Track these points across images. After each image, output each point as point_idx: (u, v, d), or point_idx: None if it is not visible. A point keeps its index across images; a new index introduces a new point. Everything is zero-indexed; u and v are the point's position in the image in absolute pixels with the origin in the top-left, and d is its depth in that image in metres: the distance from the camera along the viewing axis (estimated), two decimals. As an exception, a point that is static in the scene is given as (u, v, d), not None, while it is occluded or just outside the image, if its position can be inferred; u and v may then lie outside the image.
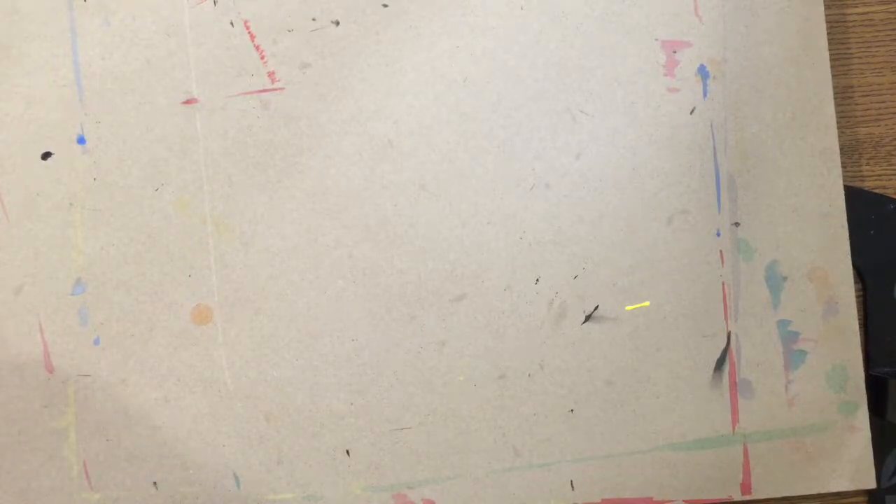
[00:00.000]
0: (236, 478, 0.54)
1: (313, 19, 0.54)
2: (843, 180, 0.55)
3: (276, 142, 0.54)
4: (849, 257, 0.54)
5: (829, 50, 0.55)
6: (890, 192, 0.57)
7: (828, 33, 0.55)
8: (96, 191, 0.54)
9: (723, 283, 0.55)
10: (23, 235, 0.54)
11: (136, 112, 0.54)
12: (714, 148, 0.55)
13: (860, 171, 0.57)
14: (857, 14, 0.57)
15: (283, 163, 0.54)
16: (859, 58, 0.57)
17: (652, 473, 0.54)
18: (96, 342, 0.54)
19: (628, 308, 0.54)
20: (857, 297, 0.55)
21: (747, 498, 0.55)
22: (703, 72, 0.55)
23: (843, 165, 0.55)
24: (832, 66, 0.55)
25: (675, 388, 0.54)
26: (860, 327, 0.55)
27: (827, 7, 0.55)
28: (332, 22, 0.54)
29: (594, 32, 0.55)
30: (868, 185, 0.57)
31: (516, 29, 0.54)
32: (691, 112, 0.55)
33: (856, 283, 0.55)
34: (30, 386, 0.54)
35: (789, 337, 0.55)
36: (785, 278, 0.55)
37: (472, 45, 0.54)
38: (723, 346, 0.55)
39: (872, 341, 0.56)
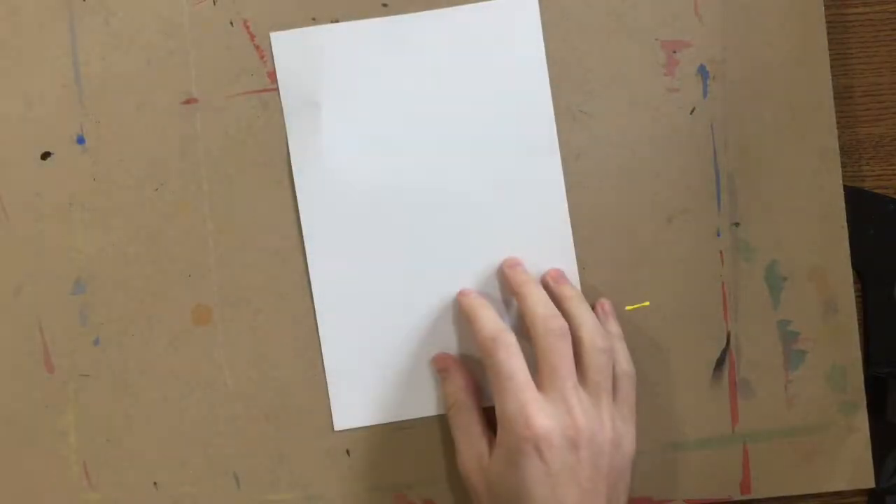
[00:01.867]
0: (236, 478, 0.54)
1: (313, 19, 0.54)
2: (843, 180, 0.55)
3: (275, 142, 0.54)
4: (849, 257, 0.54)
5: (829, 50, 0.55)
6: (890, 192, 0.57)
7: (828, 33, 0.55)
8: (96, 191, 0.54)
9: (723, 283, 0.55)
10: (23, 235, 0.54)
11: (136, 112, 0.54)
12: (714, 148, 0.55)
13: (860, 171, 0.57)
14: (857, 14, 0.57)
15: (282, 163, 0.54)
16: (859, 58, 0.57)
17: (652, 473, 0.54)
18: (96, 342, 0.54)
19: (628, 308, 0.54)
20: (857, 297, 0.55)
21: (747, 498, 0.55)
22: (703, 72, 0.55)
23: (843, 165, 0.55)
24: (832, 66, 0.55)
25: (675, 388, 0.54)
26: (860, 327, 0.55)
27: (827, 7, 0.55)
28: (331, 22, 0.54)
29: (594, 32, 0.55)
30: (868, 185, 0.57)
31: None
32: (691, 112, 0.55)
33: (856, 283, 0.55)
34: (30, 386, 0.54)
35: (789, 337, 0.55)
36: (785, 278, 0.55)
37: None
38: (723, 346, 0.55)
39: (872, 341, 0.56)
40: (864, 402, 0.54)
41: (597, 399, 0.48)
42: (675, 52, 0.55)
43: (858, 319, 0.55)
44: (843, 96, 0.56)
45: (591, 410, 0.47)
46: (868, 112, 0.57)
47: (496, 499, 0.47)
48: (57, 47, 0.54)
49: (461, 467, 0.50)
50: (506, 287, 0.53)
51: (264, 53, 0.54)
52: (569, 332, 0.48)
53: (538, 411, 0.46)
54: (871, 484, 0.55)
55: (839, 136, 0.55)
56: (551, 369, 0.47)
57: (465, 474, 0.50)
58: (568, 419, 0.46)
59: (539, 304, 0.49)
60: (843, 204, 0.55)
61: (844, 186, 0.55)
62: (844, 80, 0.56)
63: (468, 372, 0.52)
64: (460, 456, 0.50)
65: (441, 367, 0.53)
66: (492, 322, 0.49)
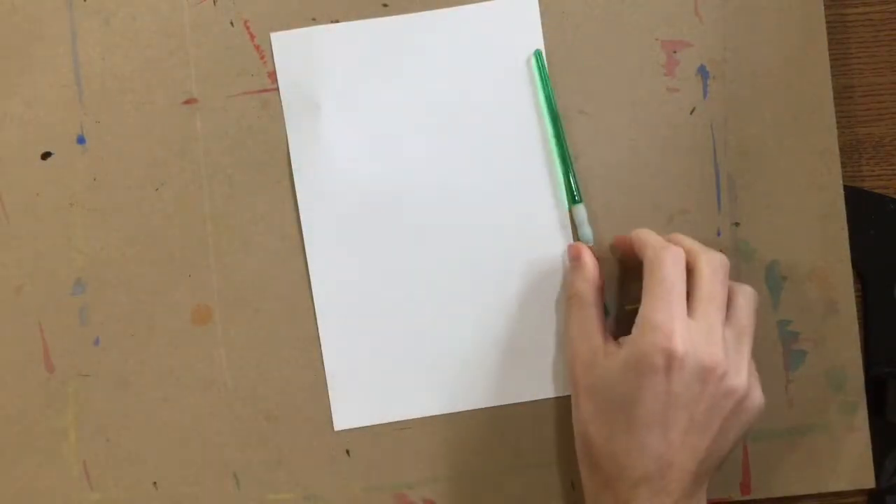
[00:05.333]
0: (236, 478, 0.54)
1: (313, 19, 0.54)
2: (843, 180, 0.55)
3: (276, 142, 0.54)
4: (849, 257, 0.54)
5: (829, 50, 0.55)
6: (890, 192, 0.57)
7: (828, 33, 0.55)
8: (96, 191, 0.54)
9: (723, 283, 0.54)
10: (23, 235, 0.54)
11: (136, 112, 0.54)
12: (714, 148, 0.55)
13: (860, 171, 0.57)
14: (857, 14, 0.57)
15: (283, 163, 0.54)
16: (859, 58, 0.57)
17: (652, 473, 0.54)
18: (96, 342, 0.54)
19: (628, 308, 0.54)
20: (857, 297, 0.55)
21: (747, 498, 0.55)
22: (703, 72, 0.55)
23: (843, 165, 0.55)
24: (832, 66, 0.55)
25: (675, 388, 0.54)
26: (860, 327, 0.55)
27: (827, 7, 0.55)
28: (331, 22, 0.54)
29: (594, 32, 0.55)
30: (868, 185, 0.57)
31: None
32: (691, 112, 0.55)
33: (856, 283, 0.55)
34: (30, 386, 0.54)
35: (789, 337, 0.55)
36: (785, 278, 0.55)
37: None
38: (723, 346, 0.54)
39: (872, 341, 0.56)
40: (864, 402, 0.54)
41: (739, 344, 0.48)
42: (675, 52, 0.55)
43: (858, 319, 0.55)
44: (843, 96, 0.56)
45: (733, 353, 0.47)
46: (868, 112, 0.57)
47: (598, 395, 0.47)
48: (57, 47, 0.54)
49: (570, 357, 0.50)
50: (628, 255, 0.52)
51: (264, 53, 0.54)
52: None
53: (684, 330, 0.45)
54: (871, 484, 0.55)
55: (839, 136, 0.55)
56: (708, 298, 0.47)
57: (570, 365, 0.50)
58: (708, 351, 0.46)
59: (703, 249, 0.49)
60: (843, 204, 0.55)
61: (844, 186, 0.55)
62: (844, 80, 0.56)
63: (600, 269, 0.52)
64: (573, 346, 0.50)
65: (574, 255, 0.52)
66: (662, 239, 0.50)
